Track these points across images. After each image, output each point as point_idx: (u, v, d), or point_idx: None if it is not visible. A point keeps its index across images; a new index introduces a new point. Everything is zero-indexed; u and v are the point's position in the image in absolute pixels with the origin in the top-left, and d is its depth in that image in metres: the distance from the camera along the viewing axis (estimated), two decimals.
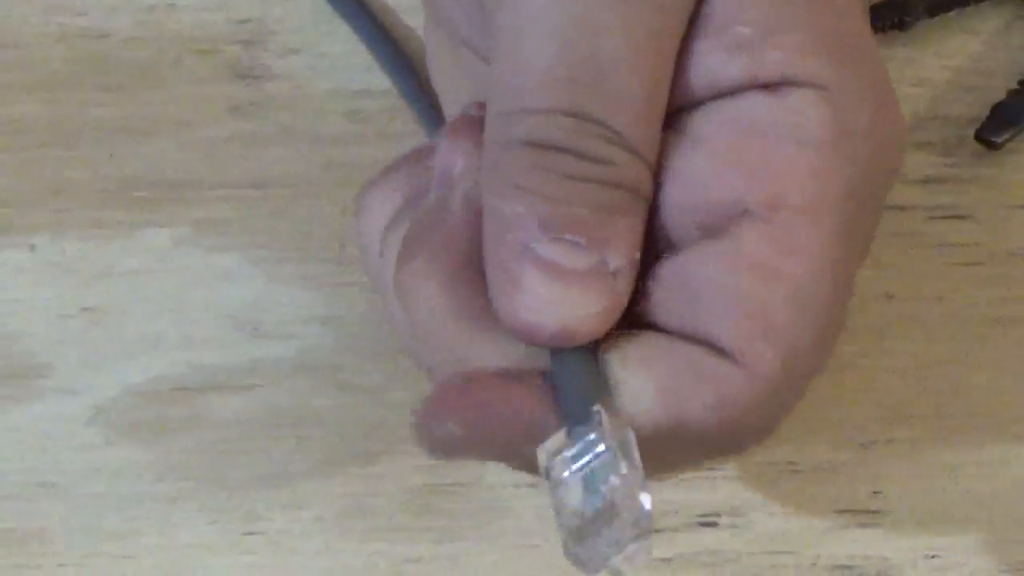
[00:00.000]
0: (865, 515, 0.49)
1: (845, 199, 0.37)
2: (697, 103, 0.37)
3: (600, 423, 0.36)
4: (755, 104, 0.36)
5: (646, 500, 0.35)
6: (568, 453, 0.36)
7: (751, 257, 0.36)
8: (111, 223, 0.51)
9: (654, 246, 0.38)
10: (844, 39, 0.37)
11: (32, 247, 0.51)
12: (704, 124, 0.37)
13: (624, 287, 0.37)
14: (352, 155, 0.51)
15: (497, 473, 0.49)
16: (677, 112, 0.37)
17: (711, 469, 0.49)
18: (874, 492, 0.49)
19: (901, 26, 0.53)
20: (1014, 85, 0.52)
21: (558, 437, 0.36)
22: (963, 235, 0.51)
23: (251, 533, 0.49)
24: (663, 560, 0.49)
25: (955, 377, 0.50)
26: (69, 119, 0.51)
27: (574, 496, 0.35)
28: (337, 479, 0.49)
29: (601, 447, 0.35)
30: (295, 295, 0.51)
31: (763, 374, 0.37)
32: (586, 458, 0.35)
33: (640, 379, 0.37)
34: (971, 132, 0.52)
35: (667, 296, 0.38)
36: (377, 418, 0.50)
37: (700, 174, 0.37)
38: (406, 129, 0.51)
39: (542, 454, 0.36)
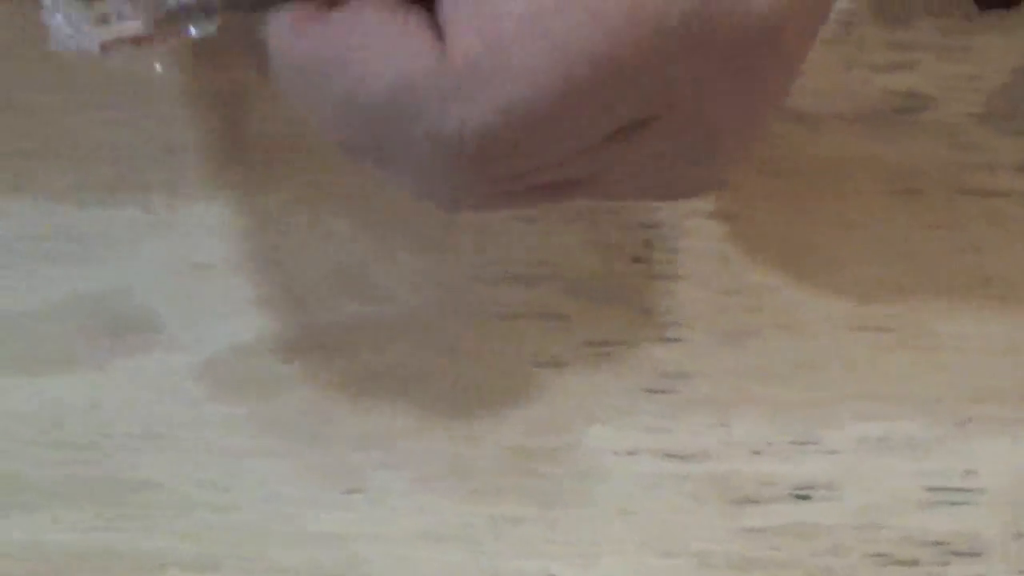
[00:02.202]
0: (957, 493, 0.50)
1: None
2: None
3: None
4: None
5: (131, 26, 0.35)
6: None
7: None
8: (223, 183, 0.52)
9: None
10: None
11: (145, 205, 0.52)
12: None
13: None
14: None
15: (596, 439, 0.50)
16: None
17: (804, 443, 0.50)
18: (967, 471, 0.50)
19: (1007, 4, 0.54)
20: None
21: None
22: None
23: (351, 491, 0.49)
24: (757, 531, 0.49)
25: None
26: (184, 81, 0.52)
27: None
28: (437, 439, 0.50)
29: None
30: (401, 258, 0.52)
31: (457, 55, 0.34)
32: None
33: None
34: None
35: None
36: (477, 379, 0.51)
37: None
38: None
39: None
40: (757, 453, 0.50)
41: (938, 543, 0.49)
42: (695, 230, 0.54)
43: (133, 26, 0.35)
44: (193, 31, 0.36)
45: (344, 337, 0.51)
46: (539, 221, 0.53)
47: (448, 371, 0.51)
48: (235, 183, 0.52)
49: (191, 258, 0.51)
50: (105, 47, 0.36)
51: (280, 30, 0.35)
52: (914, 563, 0.49)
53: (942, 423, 0.50)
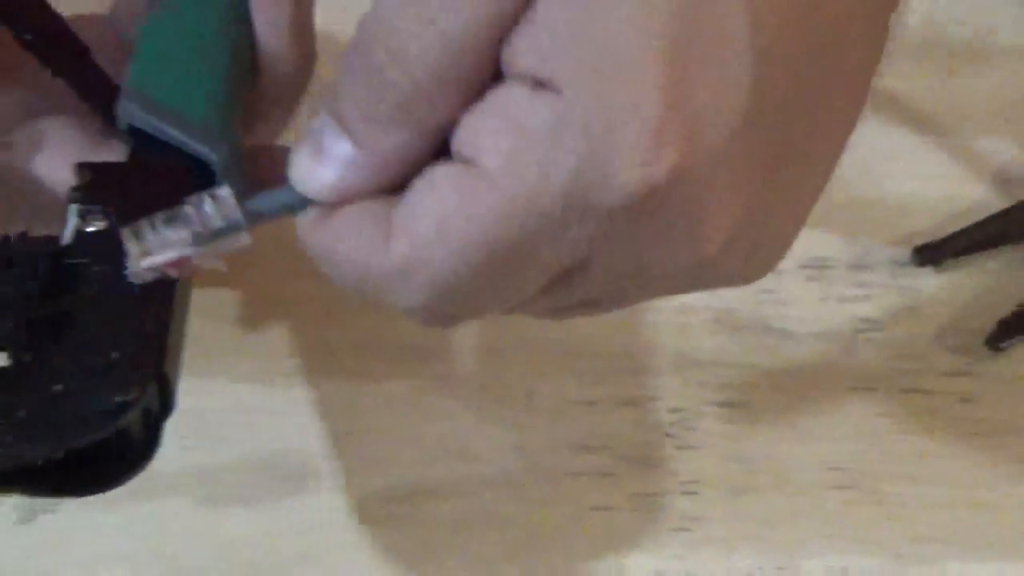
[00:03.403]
0: None
1: (530, 194, 0.36)
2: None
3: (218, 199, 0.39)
4: (518, 95, 0.37)
5: (146, 260, 0.40)
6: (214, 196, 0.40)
7: (435, 180, 0.38)
8: (359, 371, 0.62)
9: None
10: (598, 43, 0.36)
11: (287, 388, 0.61)
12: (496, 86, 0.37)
13: (359, 178, 0.38)
14: (536, 326, 0.63)
15: (636, 566, 0.57)
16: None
17: (784, 569, 0.58)
18: None
19: (936, 264, 0.67)
20: (1014, 308, 0.65)
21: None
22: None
23: None
24: None
25: None
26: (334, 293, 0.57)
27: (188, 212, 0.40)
28: (515, 568, 0.58)
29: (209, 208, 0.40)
30: (491, 430, 0.60)
31: (395, 254, 0.38)
32: (208, 207, 0.40)
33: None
34: (982, 340, 0.65)
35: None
36: (547, 521, 0.59)
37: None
38: None
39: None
40: None
41: None
42: (710, 414, 0.62)
43: (169, 255, 0.39)
44: (238, 242, 0.40)
45: (449, 487, 0.59)
46: (597, 404, 0.61)
47: (524, 514, 0.58)
48: (370, 373, 0.62)
49: (340, 427, 0.60)
50: (157, 270, 0.40)
51: (302, 230, 0.40)
52: None
53: (886, 557, 0.58)
